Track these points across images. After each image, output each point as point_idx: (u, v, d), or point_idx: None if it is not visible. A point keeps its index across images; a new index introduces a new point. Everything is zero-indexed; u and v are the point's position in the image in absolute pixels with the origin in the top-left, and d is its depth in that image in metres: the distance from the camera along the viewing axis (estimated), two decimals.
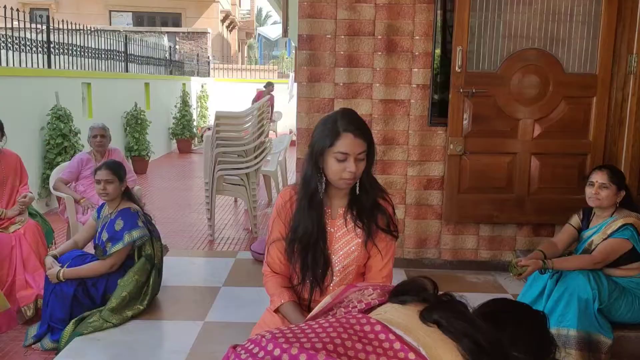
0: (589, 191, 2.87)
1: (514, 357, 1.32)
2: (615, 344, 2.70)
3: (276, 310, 1.98)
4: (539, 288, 2.80)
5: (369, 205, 1.97)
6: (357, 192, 1.95)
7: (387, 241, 2.02)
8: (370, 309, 1.46)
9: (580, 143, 3.86)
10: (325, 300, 1.56)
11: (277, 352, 1.17)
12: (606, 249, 2.75)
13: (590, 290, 2.65)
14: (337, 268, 1.99)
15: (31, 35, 6.59)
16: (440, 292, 1.43)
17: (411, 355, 1.18)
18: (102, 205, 3.43)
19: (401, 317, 1.32)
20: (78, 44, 7.89)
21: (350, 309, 1.48)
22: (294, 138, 7.17)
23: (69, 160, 5.17)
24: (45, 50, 6.88)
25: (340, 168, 1.86)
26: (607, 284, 2.72)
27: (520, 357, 1.34)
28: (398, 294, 1.42)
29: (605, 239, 2.79)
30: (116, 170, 3.32)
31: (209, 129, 9.53)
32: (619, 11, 3.73)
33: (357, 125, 1.88)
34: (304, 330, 1.25)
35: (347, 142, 1.85)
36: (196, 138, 12.06)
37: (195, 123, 12.41)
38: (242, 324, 3.10)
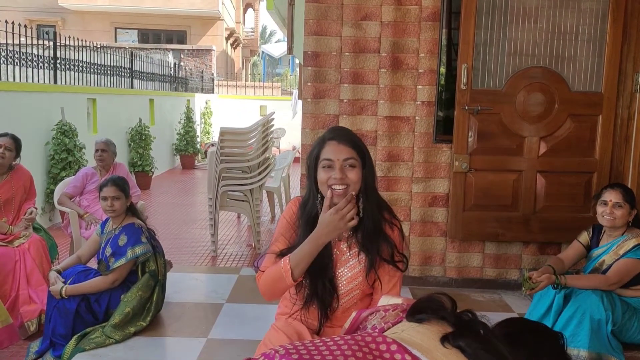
0: (601, 210, 2.85)
1: None
2: None
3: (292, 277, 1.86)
4: (546, 305, 2.77)
5: (373, 231, 1.90)
6: (361, 215, 1.88)
7: (390, 272, 1.94)
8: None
9: (586, 161, 3.84)
10: (342, 330, 1.53)
11: None
12: (621, 270, 2.72)
13: (603, 310, 2.61)
14: (341, 292, 1.93)
15: (38, 51, 6.64)
16: (460, 310, 1.40)
17: None
18: (106, 220, 3.42)
19: (418, 337, 1.29)
20: (84, 60, 7.95)
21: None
22: (298, 155, 7.14)
23: (73, 175, 5.17)
24: (52, 66, 6.94)
25: (327, 176, 1.83)
26: (619, 304, 2.68)
27: None
28: (415, 312, 1.39)
29: (618, 258, 2.76)
30: (122, 186, 3.32)
31: (212, 145, 9.56)
32: (624, 29, 3.74)
33: (342, 134, 1.89)
34: (318, 347, 1.23)
35: (330, 149, 1.85)
36: (200, 154, 12.08)
37: (199, 139, 12.44)
38: (245, 341, 3.06)
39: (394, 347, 1.22)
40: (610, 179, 3.79)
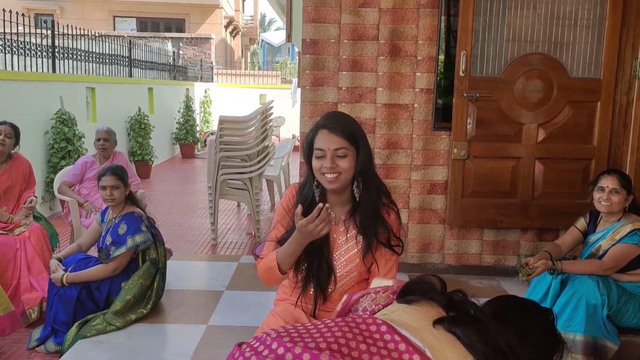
0: (598, 196, 2.86)
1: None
2: (622, 349, 2.68)
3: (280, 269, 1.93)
4: (543, 290, 2.79)
5: (371, 215, 1.94)
6: (357, 198, 1.92)
7: (387, 255, 1.98)
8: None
9: (585, 148, 3.85)
10: (334, 314, 1.56)
11: (280, 350, 1.16)
12: (617, 255, 2.74)
13: (599, 295, 2.63)
14: (339, 274, 1.96)
15: (36, 40, 6.63)
16: (451, 290, 1.42)
17: (416, 358, 1.17)
18: (106, 209, 3.44)
19: (407, 318, 1.31)
20: (82, 48, 7.93)
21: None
22: (297, 143, 7.15)
23: (73, 164, 5.18)
24: (50, 54, 6.92)
25: (319, 165, 1.87)
26: (615, 289, 2.70)
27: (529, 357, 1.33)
28: (404, 294, 1.41)
29: (614, 244, 2.78)
30: (121, 175, 3.33)
31: (212, 133, 9.55)
32: (623, 16, 3.72)
33: (334, 122, 1.88)
34: (309, 329, 1.25)
35: (322, 138, 1.86)
36: (199, 143, 12.08)
37: (198, 128, 12.43)
38: (245, 327, 3.09)
39: (383, 328, 1.24)
40: (608, 165, 3.80)
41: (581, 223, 3.02)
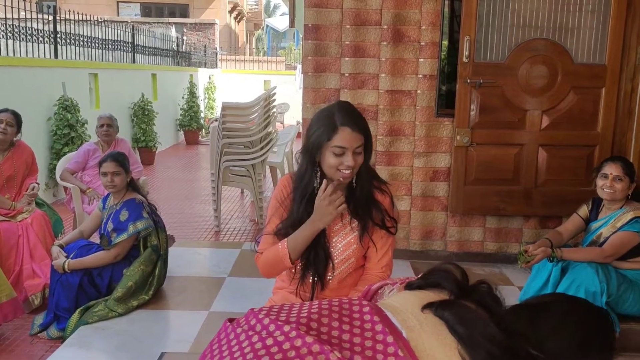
0: (601, 183, 2.84)
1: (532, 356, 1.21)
2: (621, 337, 2.68)
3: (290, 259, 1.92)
4: (544, 277, 2.78)
5: (365, 199, 1.96)
6: (354, 185, 1.94)
7: (383, 236, 2.01)
8: None
9: (589, 134, 3.81)
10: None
11: (252, 321, 1.22)
12: (616, 243, 2.73)
13: (598, 283, 2.62)
14: (336, 261, 1.98)
15: (38, 26, 6.60)
16: (476, 281, 1.38)
17: (389, 339, 1.16)
18: (107, 195, 3.44)
19: (398, 301, 1.31)
20: (85, 34, 7.90)
21: None
22: (300, 130, 7.13)
23: (76, 150, 5.18)
24: (52, 40, 6.90)
25: (338, 162, 1.85)
26: (615, 276, 2.70)
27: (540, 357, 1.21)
28: (413, 284, 1.41)
29: (615, 231, 2.77)
30: (122, 161, 3.33)
31: (216, 120, 9.54)
32: (629, 1, 3.66)
33: (355, 119, 1.87)
34: (292, 307, 1.28)
35: (344, 136, 1.83)
36: (203, 129, 12.07)
37: (202, 114, 12.42)
38: None
39: (366, 309, 1.25)
40: (612, 152, 3.77)
41: (583, 210, 3.01)
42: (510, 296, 3.18)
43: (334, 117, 1.86)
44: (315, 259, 1.95)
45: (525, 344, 1.21)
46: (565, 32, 3.75)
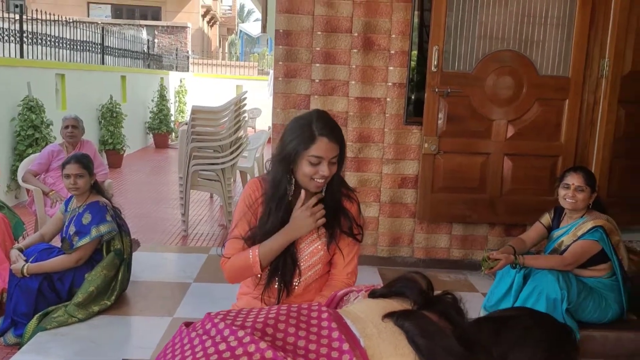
0: (563, 193, 2.90)
1: None
2: (581, 343, 2.73)
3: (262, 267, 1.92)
4: (507, 284, 2.82)
5: (333, 207, 1.96)
6: (323, 193, 1.94)
7: (350, 244, 2.02)
8: None
9: (553, 145, 3.90)
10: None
11: (208, 325, 1.22)
12: (577, 251, 2.78)
13: (559, 290, 2.67)
14: (303, 267, 1.97)
15: (3, 24, 6.45)
16: (442, 292, 1.36)
17: (345, 346, 1.15)
18: (70, 198, 3.37)
19: (360, 309, 1.30)
20: (53, 34, 7.74)
21: None
22: (272, 135, 7.09)
23: (40, 152, 5.06)
24: (18, 39, 6.74)
25: (313, 171, 1.85)
26: (575, 284, 2.75)
27: None
28: (376, 292, 1.40)
29: (576, 240, 2.83)
30: (85, 163, 3.26)
31: (186, 124, 9.44)
32: (592, 15, 3.77)
33: (332, 129, 1.87)
34: (250, 312, 1.27)
35: (321, 146, 1.83)
36: (173, 133, 11.94)
37: (172, 118, 12.28)
38: None
39: (324, 315, 1.24)
40: (574, 162, 3.85)
41: (546, 219, 3.07)
42: (475, 302, 3.23)
43: (311, 126, 1.85)
44: (283, 266, 1.95)
45: (486, 358, 1.21)
46: (530, 44, 3.83)
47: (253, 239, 1.94)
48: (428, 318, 1.23)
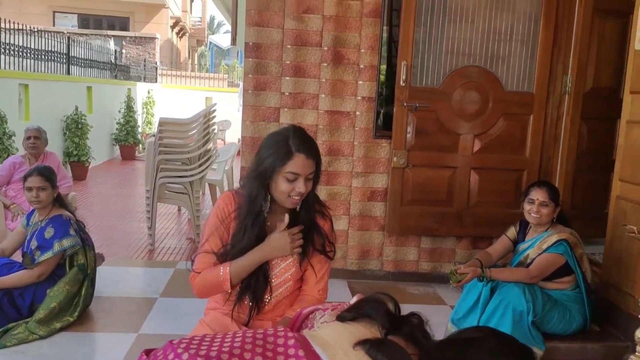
0: (528, 207, 2.95)
1: None
2: (547, 355, 2.78)
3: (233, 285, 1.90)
4: (475, 297, 2.85)
5: (307, 225, 1.96)
6: (297, 209, 1.93)
7: (321, 260, 2.02)
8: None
9: (518, 159, 3.98)
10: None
11: (170, 356, 1.18)
12: (542, 264, 2.83)
13: (525, 302, 2.71)
14: (274, 284, 1.96)
15: None
16: (408, 313, 1.37)
17: None
18: (32, 211, 3.28)
19: (329, 334, 1.28)
20: (17, 43, 7.57)
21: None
22: (241, 147, 7.05)
23: (1, 163, 4.92)
24: None
25: (290, 188, 1.83)
26: (541, 296, 2.79)
27: None
28: (345, 317, 1.38)
29: (541, 253, 2.88)
30: (48, 176, 3.18)
31: (154, 135, 9.32)
32: (555, 33, 3.88)
33: (309, 146, 1.86)
34: (214, 339, 1.24)
35: (298, 163, 1.81)
36: (141, 144, 11.77)
37: (140, 129, 12.11)
38: (178, 335, 2.98)
39: (291, 342, 1.22)
40: (539, 176, 3.94)
41: (511, 232, 3.12)
42: (443, 315, 3.25)
43: (288, 142, 1.83)
44: (255, 284, 1.92)
45: None
46: (496, 60, 3.91)
47: (226, 255, 1.91)
48: (399, 347, 1.24)
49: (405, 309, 1.42)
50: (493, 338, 1.34)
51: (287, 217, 1.89)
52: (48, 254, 3.04)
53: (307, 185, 1.85)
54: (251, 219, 1.89)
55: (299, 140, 1.84)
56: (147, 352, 1.25)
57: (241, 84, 13.90)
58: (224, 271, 1.86)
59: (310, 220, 1.96)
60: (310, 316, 1.50)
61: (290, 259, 1.96)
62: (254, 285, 1.92)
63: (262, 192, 1.87)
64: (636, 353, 2.26)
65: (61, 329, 3.02)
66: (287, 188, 1.83)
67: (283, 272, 1.96)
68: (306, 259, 1.97)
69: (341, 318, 1.38)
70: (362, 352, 1.20)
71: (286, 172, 1.82)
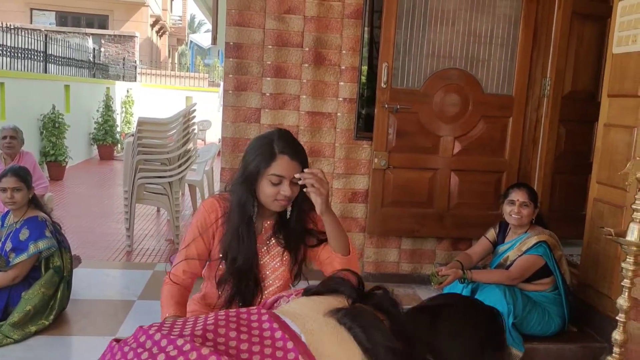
0: (509, 209, 2.97)
1: None
2: (526, 356, 2.80)
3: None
4: None
5: (299, 230, 1.93)
6: (288, 215, 1.90)
7: (324, 247, 1.97)
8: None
9: (497, 161, 4.01)
10: None
11: (142, 338, 1.17)
12: (522, 265, 2.85)
13: (505, 304, 2.73)
14: (264, 284, 1.95)
15: None
16: (373, 287, 1.40)
17: (289, 345, 1.15)
18: (7, 213, 3.21)
19: (298, 307, 1.30)
20: None
21: None
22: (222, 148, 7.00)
23: None
24: None
25: (275, 192, 1.80)
26: (520, 298, 2.82)
27: None
28: (310, 289, 1.41)
29: (521, 255, 2.90)
30: (23, 176, 3.11)
31: (131, 135, 9.22)
32: (534, 37, 3.92)
33: (294, 148, 1.83)
34: (187, 321, 1.24)
35: (282, 164, 1.79)
36: (119, 144, 11.63)
37: (119, 129, 11.96)
38: None
39: (265, 317, 1.24)
40: (518, 178, 3.97)
41: (491, 233, 3.14)
42: None
43: (272, 144, 1.81)
44: (245, 291, 1.91)
45: (425, 351, 1.26)
46: (476, 63, 3.94)
47: (226, 270, 1.90)
48: (370, 313, 1.26)
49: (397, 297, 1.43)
50: (462, 305, 1.41)
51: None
52: (23, 256, 2.97)
53: (292, 189, 1.82)
54: (245, 228, 1.86)
55: (283, 142, 1.82)
56: (117, 340, 1.24)
57: (222, 83, 13.84)
58: (162, 315, 1.92)
59: (300, 226, 1.93)
60: (275, 304, 1.50)
61: (278, 258, 1.95)
62: (244, 291, 1.91)
63: (250, 197, 1.85)
64: (613, 354, 2.29)
65: (36, 333, 2.96)
66: (272, 192, 1.80)
67: (272, 272, 1.96)
68: (296, 265, 1.97)
69: (307, 292, 1.40)
70: (334, 320, 1.22)
71: (270, 175, 1.79)
